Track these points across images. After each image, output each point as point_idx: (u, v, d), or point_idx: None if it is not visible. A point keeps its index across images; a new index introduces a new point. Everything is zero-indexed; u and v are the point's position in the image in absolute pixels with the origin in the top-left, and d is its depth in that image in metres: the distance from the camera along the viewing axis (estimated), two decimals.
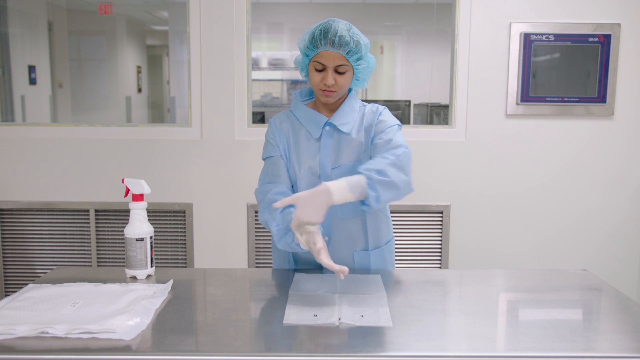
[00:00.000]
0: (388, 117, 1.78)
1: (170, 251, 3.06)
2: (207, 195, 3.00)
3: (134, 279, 1.68)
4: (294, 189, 1.80)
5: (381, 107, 1.81)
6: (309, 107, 1.81)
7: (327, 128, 1.76)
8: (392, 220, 2.98)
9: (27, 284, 1.71)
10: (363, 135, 1.76)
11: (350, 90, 1.82)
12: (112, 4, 3.49)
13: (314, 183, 1.75)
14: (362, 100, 1.87)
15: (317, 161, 1.75)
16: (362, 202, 1.57)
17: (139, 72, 6.27)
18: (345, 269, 1.46)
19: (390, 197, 1.58)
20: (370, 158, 1.71)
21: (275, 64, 5.28)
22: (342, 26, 1.67)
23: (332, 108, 1.80)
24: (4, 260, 3.07)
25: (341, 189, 1.51)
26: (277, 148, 1.79)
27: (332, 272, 1.75)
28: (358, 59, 1.69)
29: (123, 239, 1.88)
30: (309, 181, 1.76)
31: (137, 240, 1.66)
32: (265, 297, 1.61)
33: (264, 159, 1.84)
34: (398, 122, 1.78)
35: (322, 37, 1.66)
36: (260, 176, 1.82)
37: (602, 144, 2.97)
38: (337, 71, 1.68)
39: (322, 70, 1.69)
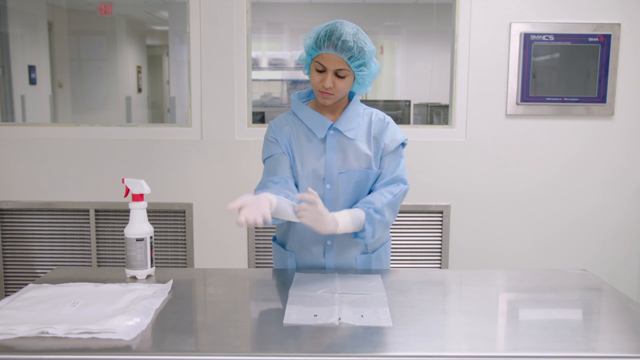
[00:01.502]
0: (397, 133, 1.81)
1: (170, 251, 3.06)
2: (207, 195, 3.00)
3: (134, 279, 1.68)
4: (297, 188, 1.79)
5: (388, 117, 1.82)
6: (311, 107, 1.81)
7: (332, 132, 1.76)
8: None
9: (27, 284, 1.71)
10: (372, 144, 1.77)
11: (353, 94, 1.82)
12: (112, 4, 3.49)
13: (318, 186, 1.75)
14: (363, 101, 1.87)
15: (322, 164, 1.74)
16: (356, 234, 1.72)
17: (139, 72, 6.27)
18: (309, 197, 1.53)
19: (382, 233, 1.76)
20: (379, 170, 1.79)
21: (275, 64, 5.28)
22: (349, 30, 1.65)
23: (334, 109, 1.79)
24: (4, 260, 3.07)
25: (346, 224, 1.65)
26: (279, 146, 1.78)
27: (332, 272, 1.75)
28: (360, 65, 1.68)
29: (123, 239, 1.88)
30: (313, 184, 1.75)
31: (137, 240, 1.66)
32: (265, 297, 1.61)
33: (264, 160, 1.81)
34: (405, 137, 1.82)
35: (325, 39, 1.65)
36: (262, 177, 1.79)
37: (602, 144, 2.97)
38: (337, 75, 1.67)
39: (323, 71, 1.68)
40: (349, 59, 1.65)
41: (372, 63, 1.71)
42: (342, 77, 1.68)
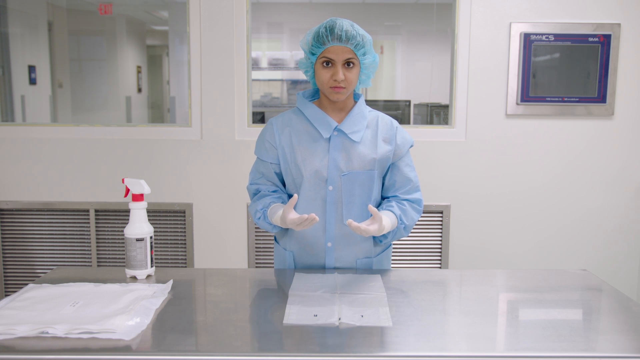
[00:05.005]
0: (406, 136, 1.84)
1: (170, 251, 3.06)
2: (207, 195, 3.00)
3: (134, 279, 1.68)
4: (292, 190, 1.81)
5: (395, 122, 1.84)
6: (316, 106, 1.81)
7: (336, 133, 1.76)
8: None
9: (27, 284, 1.71)
10: (380, 148, 1.77)
11: (359, 96, 1.83)
12: (112, 4, 3.49)
13: (320, 187, 1.75)
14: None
15: (325, 164, 1.74)
16: (375, 236, 1.81)
17: (139, 72, 6.27)
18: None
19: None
20: (388, 177, 1.83)
21: (275, 64, 5.28)
22: (346, 22, 1.70)
23: (340, 109, 1.79)
24: (4, 260, 3.07)
25: (387, 229, 1.72)
26: (270, 154, 1.80)
27: (332, 272, 1.75)
28: (364, 54, 1.71)
29: (123, 239, 1.88)
30: (314, 184, 1.75)
31: (137, 240, 1.66)
32: (265, 297, 1.61)
33: (256, 155, 1.85)
34: (412, 140, 1.86)
35: (328, 34, 1.67)
36: (252, 172, 1.86)
37: (602, 144, 2.97)
38: (346, 66, 1.69)
39: (330, 67, 1.69)
40: (355, 47, 1.68)
41: (372, 52, 1.74)
42: (351, 68, 1.70)
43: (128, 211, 1.71)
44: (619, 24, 2.87)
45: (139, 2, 5.62)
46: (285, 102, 5.84)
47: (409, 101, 4.82)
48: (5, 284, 3.08)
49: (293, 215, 1.62)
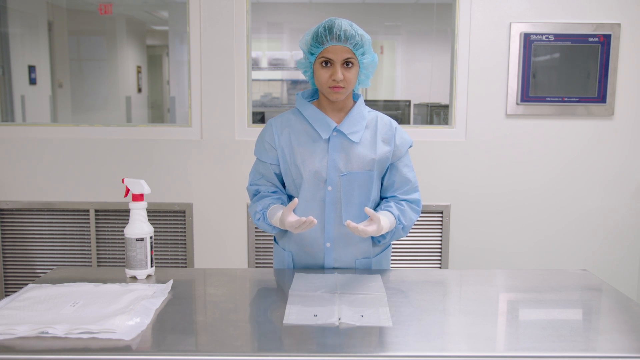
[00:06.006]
0: (405, 137, 1.84)
1: (170, 251, 3.06)
2: (207, 195, 3.00)
3: (134, 279, 1.68)
4: (291, 191, 1.81)
5: (394, 122, 1.84)
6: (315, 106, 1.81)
7: (335, 134, 1.76)
8: None
9: (27, 284, 1.71)
10: (379, 148, 1.77)
11: (359, 96, 1.83)
12: (112, 4, 3.49)
13: (319, 187, 1.75)
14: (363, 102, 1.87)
15: (324, 165, 1.74)
16: (373, 237, 1.80)
17: (139, 72, 6.27)
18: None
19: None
20: (387, 177, 1.83)
21: (275, 64, 5.29)
22: (345, 22, 1.70)
23: (339, 110, 1.79)
24: (4, 260, 3.07)
25: (385, 229, 1.72)
26: (270, 155, 1.80)
27: (332, 272, 1.75)
28: (363, 53, 1.71)
29: (123, 239, 1.88)
30: (314, 185, 1.75)
31: (137, 240, 1.66)
32: (265, 297, 1.61)
33: (255, 156, 1.85)
34: (411, 140, 1.86)
35: (327, 33, 1.67)
36: (252, 173, 1.86)
37: (602, 144, 2.97)
38: (344, 66, 1.69)
39: (329, 67, 1.69)
40: (354, 46, 1.68)
41: (371, 52, 1.74)
42: (350, 68, 1.70)
43: (128, 211, 1.71)
44: (619, 24, 2.87)
45: (139, 2, 5.62)
46: (285, 102, 5.84)
47: (409, 101, 4.83)
48: (5, 284, 3.08)
49: (292, 217, 1.62)
